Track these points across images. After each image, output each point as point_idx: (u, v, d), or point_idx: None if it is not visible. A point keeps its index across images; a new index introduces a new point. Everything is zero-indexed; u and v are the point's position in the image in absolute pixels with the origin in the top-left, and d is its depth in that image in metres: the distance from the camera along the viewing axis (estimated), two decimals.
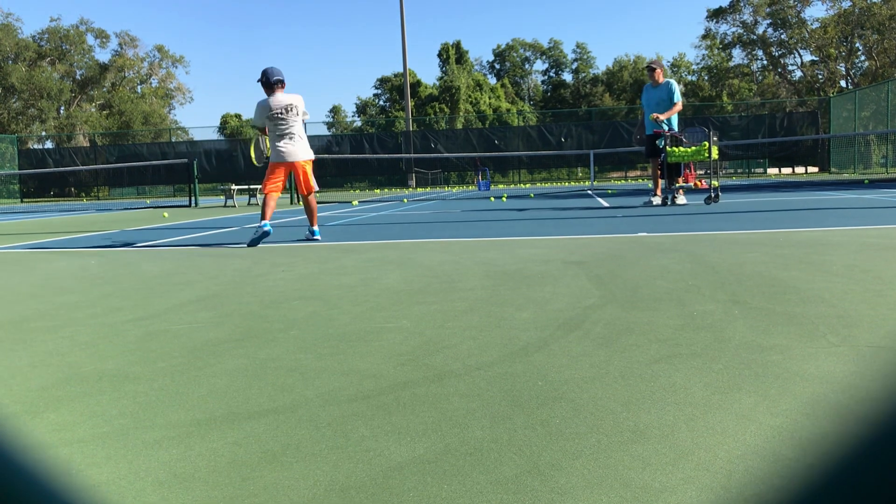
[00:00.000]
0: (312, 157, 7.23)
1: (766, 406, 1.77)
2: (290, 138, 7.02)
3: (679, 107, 10.70)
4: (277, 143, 7.03)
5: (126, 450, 1.66)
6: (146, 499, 1.40)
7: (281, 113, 6.96)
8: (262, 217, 6.84)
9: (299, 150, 7.06)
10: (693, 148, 10.46)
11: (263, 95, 7.07)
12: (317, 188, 7.25)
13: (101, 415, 1.92)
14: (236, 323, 3.08)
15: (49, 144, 57.27)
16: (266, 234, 6.72)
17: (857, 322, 2.60)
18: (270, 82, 6.99)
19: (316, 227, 7.18)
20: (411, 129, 42.13)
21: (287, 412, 1.88)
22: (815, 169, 41.09)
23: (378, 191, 36.35)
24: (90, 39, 63.80)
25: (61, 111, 61.67)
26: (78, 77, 63.81)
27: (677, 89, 10.75)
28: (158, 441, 1.71)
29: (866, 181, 19.85)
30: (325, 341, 2.67)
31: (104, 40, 65.05)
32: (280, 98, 6.99)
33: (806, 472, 1.10)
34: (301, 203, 7.27)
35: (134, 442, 1.71)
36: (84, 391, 2.14)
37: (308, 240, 7.07)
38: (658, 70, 10.94)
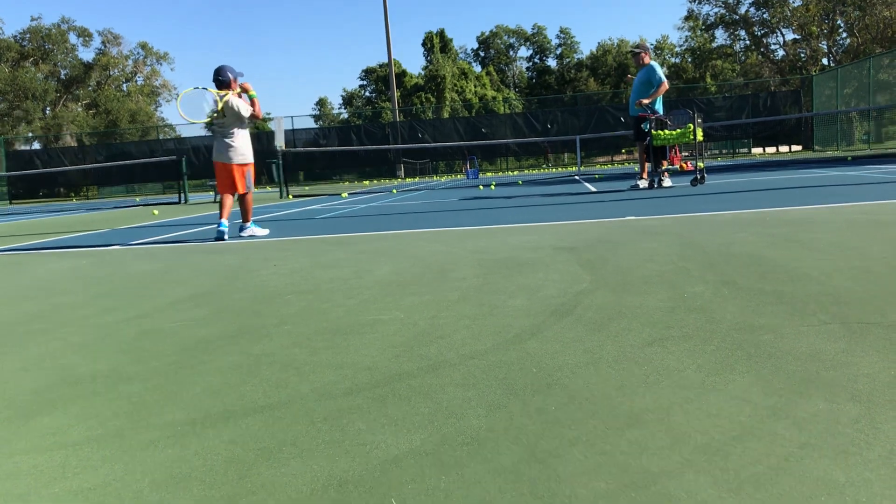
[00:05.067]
0: (249, 160, 7.34)
1: (760, 386, 1.78)
2: (223, 139, 7.17)
3: (664, 87, 10.71)
4: (215, 141, 7.30)
5: (122, 451, 1.66)
6: (144, 500, 1.40)
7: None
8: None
9: (231, 154, 7.22)
10: (678, 130, 10.47)
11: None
12: (251, 188, 7.38)
13: (96, 416, 1.91)
14: (229, 319, 3.07)
15: (36, 145, 56.90)
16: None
17: (846, 299, 2.62)
18: (214, 82, 7.18)
19: (248, 223, 7.26)
20: (398, 119, 42.02)
21: (282, 408, 1.88)
22: (799, 147, 41.21)
23: (367, 182, 36.27)
24: (73, 38, 63.36)
25: (47, 111, 61.26)
26: (62, 77, 63.35)
27: (658, 71, 10.75)
28: (154, 441, 1.71)
29: (849, 158, 19.93)
30: (319, 335, 2.67)
31: (87, 39, 64.58)
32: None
33: (800, 452, 1.11)
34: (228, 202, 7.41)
35: (130, 443, 1.71)
36: (78, 393, 2.13)
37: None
38: (642, 54, 10.95)
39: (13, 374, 2.39)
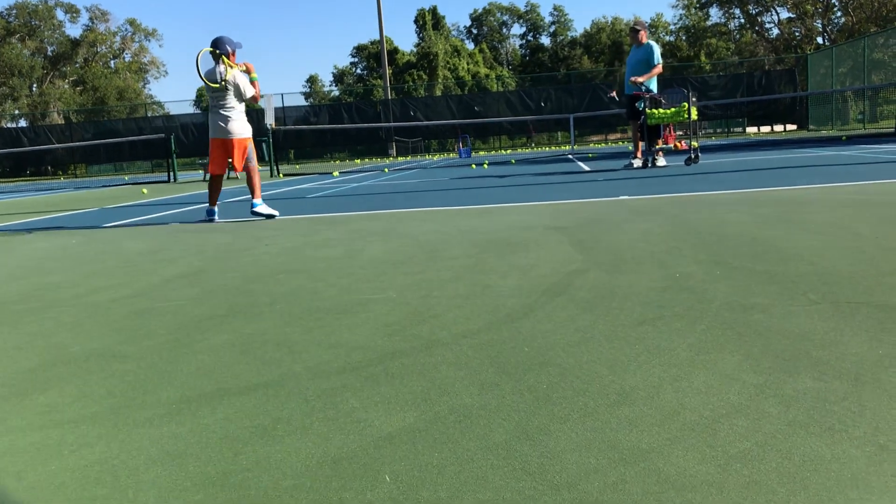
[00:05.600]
0: (248, 134, 7.06)
1: (749, 365, 1.81)
2: (219, 113, 6.87)
3: (659, 69, 10.68)
4: (210, 115, 7.02)
5: (117, 429, 1.67)
6: (140, 477, 1.41)
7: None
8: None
9: (230, 127, 6.92)
10: (672, 109, 10.46)
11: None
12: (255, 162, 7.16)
13: (91, 395, 1.92)
14: (221, 298, 3.08)
15: (23, 123, 56.50)
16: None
17: (837, 279, 2.64)
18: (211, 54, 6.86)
19: (258, 200, 6.97)
20: (390, 97, 41.82)
21: (276, 386, 1.90)
22: (794, 127, 41.18)
23: (358, 161, 36.15)
24: (60, 14, 62.75)
25: (34, 88, 60.75)
26: (49, 53, 62.78)
27: (657, 51, 10.72)
28: (149, 419, 1.72)
29: (844, 138, 19.95)
30: (312, 314, 2.68)
31: (74, 15, 63.98)
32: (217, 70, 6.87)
33: (787, 429, 1.13)
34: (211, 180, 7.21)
35: (125, 421, 1.72)
36: (72, 372, 2.13)
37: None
38: (642, 31, 10.91)
39: (7, 353, 2.40)
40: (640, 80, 10.56)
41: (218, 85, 6.75)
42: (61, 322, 2.82)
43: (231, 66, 6.79)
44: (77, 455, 1.53)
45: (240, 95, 6.83)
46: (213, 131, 6.89)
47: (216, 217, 6.91)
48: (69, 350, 2.39)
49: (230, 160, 6.91)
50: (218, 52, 6.78)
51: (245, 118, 7.00)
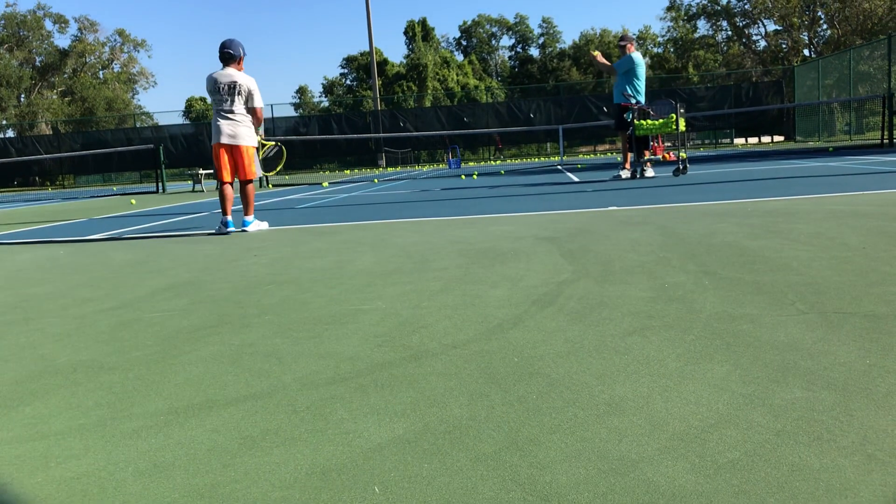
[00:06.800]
0: (254, 143, 6.84)
1: (738, 374, 1.81)
2: (227, 118, 6.67)
3: (613, 70, 10.97)
4: (215, 121, 6.74)
5: (104, 441, 1.65)
6: (127, 489, 1.40)
7: (221, 89, 6.64)
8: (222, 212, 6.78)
9: (238, 132, 6.69)
10: (660, 120, 10.52)
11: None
12: (258, 174, 6.96)
13: (78, 406, 1.90)
14: (210, 309, 3.06)
15: (10, 133, 56.19)
16: (228, 228, 6.66)
17: (825, 289, 2.66)
18: (220, 55, 6.71)
19: (249, 217, 6.72)
20: (379, 108, 41.86)
21: (265, 397, 1.89)
22: (781, 138, 41.45)
23: (348, 171, 36.14)
24: (48, 25, 62.58)
25: (22, 99, 60.49)
26: (38, 64, 62.56)
27: (627, 60, 10.83)
28: (137, 431, 1.71)
29: (831, 149, 20.09)
30: (301, 325, 2.67)
31: (63, 25, 63.79)
32: (225, 73, 6.66)
33: (776, 439, 1.13)
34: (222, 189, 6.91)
35: (112, 432, 1.70)
36: (59, 383, 2.12)
37: (240, 230, 6.66)
38: (628, 45, 11.03)
39: None
40: (600, 57, 11.21)
41: (231, 90, 6.64)
42: (48, 333, 2.80)
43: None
44: (64, 467, 1.52)
45: (251, 102, 6.69)
46: (223, 137, 6.66)
47: (232, 227, 6.70)
48: (56, 361, 2.37)
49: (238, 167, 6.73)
50: (231, 52, 6.66)
51: (253, 126, 6.83)
